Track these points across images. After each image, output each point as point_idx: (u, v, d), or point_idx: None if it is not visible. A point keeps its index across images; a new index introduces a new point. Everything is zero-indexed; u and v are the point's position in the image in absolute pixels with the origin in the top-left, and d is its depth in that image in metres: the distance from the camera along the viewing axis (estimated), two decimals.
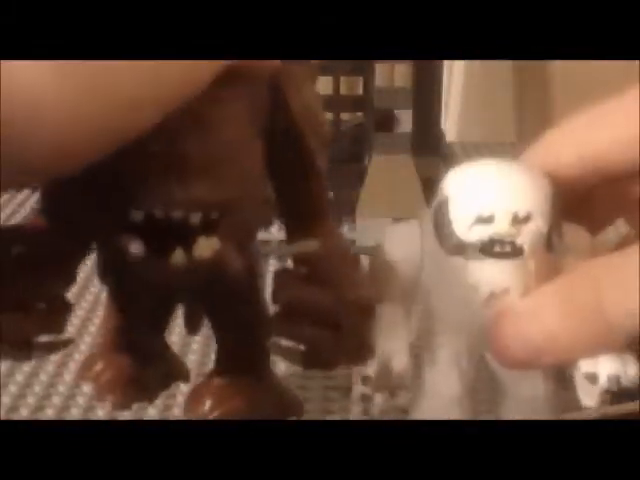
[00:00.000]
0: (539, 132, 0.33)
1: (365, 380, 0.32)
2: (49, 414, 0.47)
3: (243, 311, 0.35)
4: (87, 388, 0.48)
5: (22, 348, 0.34)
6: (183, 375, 0.41)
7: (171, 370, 0.40)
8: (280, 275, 0.34)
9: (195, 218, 0.30)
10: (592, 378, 0.29)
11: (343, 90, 0.64)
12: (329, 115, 0.66)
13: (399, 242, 0.32)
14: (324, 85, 0.68)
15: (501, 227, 0.28)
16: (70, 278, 0.33)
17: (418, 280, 0.31)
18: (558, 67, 1.05)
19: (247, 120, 0.32)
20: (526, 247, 0.28)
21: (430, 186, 0.72)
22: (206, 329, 0.38)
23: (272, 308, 0.35)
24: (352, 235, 0.62)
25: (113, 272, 0.34)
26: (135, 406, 0.44)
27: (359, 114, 0.66)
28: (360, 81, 0.64)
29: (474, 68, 1.06)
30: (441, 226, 0.29)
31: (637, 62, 0.31)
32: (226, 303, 0.35)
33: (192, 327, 0.38)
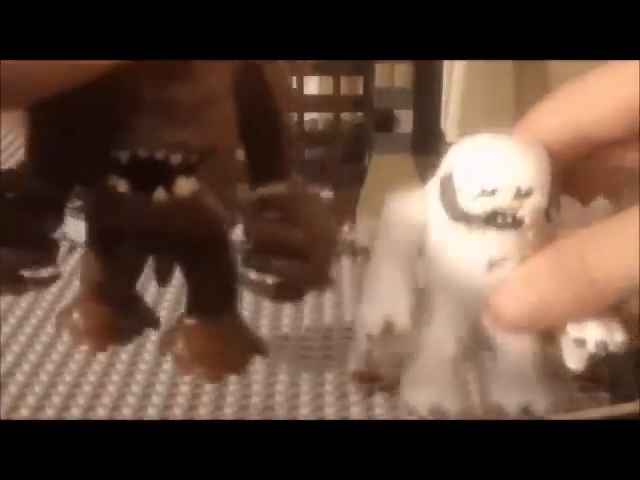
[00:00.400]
0: None
1: (369, 339, 0.33)
2: (49, 414, 0.46)
3: (216, 255, 0.38)
4: (87, 388, 0.48)
5: (15, 282, 0.36)
6: (154, 323, 0.44)
7: (143, 318, 0.43)
8: (251, 214, 0.36)
9: (176, 159, 0.33)
10: (580, 343, 0.31)
11: (343, 90, 0.64)
12: (329, 115, 0.67)
13: (406, 208, 0.34)
14: (324, 85, 0.68)
15: (504, 200, 0.29)
16: (57, 219, 0.35)
17: (422, 245, 0.33)
18: (558, 67, 1.05)
19: (226, 75, 0.35)
20: (526, 219, 0.29)
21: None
22: (176, 282, 0.41)
23: (244, 244, 0.37)
24: (352, 235, 0.62)
25: (97, 212, 0.36)
26: (130, 412, 0.44)
27: (359, 114, 0.66)
28: (360, 81, 0.64)
29: (474, 68, 1.06)
30: (446, 197, 0.31)
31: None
32: (201, 246, 0.37)
33: (162, 280, 0.40)
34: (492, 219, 0.30)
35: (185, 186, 0.33)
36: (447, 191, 0.31)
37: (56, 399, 0.48)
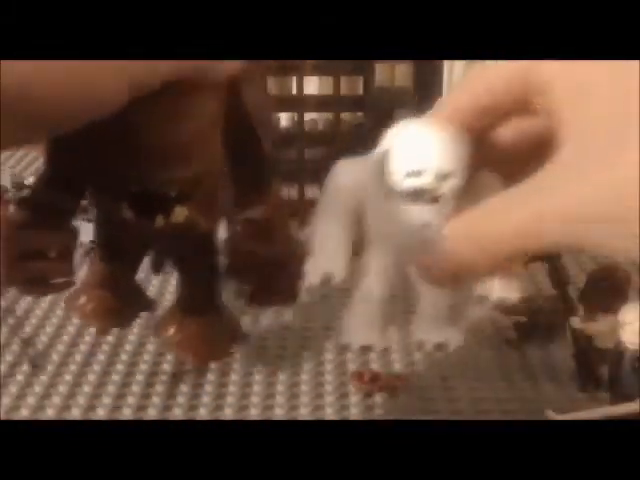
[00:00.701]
0: None
1: (310, 289, 0.41)
2: (49, 414, 0.46)
3: (204, 261, 0.45)
4: (87, 387, 0.48)
5: (41, 287, 0.43)
6: (150, 306, 0.51)
7: (141, 302, 0.51)
8: (233, 233, 0.43)
9: (172, 191, 0.39)
10: (483, 298, 0.39)
11: (343, 90, 0.64)
12: (330, 115, 0.67)
13: (350, 172, 0.40)
14: (324, 85, 0.68)
15: (426, 181, 0.36)
16: (71, 234, 0.43)
17: (362, 207, 0.40)
18: None
19: (211, 114, 0.40)
20: (446, 196, 0.37)
21: None
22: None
23: (226, 258, 0.44)
24: None
25: (107, 230, 0.43)
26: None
27: (359, 114, 0.66)
28: (360, 81, 0.64)
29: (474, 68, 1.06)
30: (381, 173, 0.38)
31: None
32: (193, 254, 0.45)
33: (156, 269, 0.47)
34: (417, 196, 0.37)
35: (180, 213, 0.40)
36: (382, 169, 0.38)
37: (56, 399, 0.48)
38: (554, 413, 0.45)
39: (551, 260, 0.52)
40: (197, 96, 0.38)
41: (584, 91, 0.31)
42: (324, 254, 0.41)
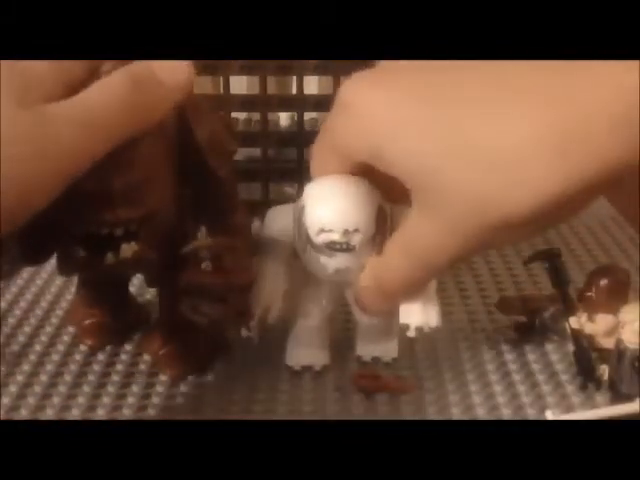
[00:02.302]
0: None
1: (250, 326, 0.47)
2: (49, 414, 0.46)
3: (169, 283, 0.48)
4: (87, 388, 0.48)
5: None
6: (145, 320, 0.54)
7: (136, 316, 0.54)
8: (183, 264, 0.45)
9: (119, 231, 0.42)
10: (405, 326, 0.46)
11: None
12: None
13: (280, 219, 0.47)
14: (324, 85, 0.68)
15: (337, 237, 0.43)
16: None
17: (292, 247, 0.46)
18: None
19: (160, 151, 0.43)
20: (356, 246, 0.43)
21: None
22: None
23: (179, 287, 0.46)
24: None
25: (67, 267, 0.46)
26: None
27: None
28: None
29: None
30: (298, 227, 0.44)
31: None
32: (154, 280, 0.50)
33: (149, 284, 0.51)
34: (331, 247, 0.43)
35: (128, 249, 0.42)
36: (299, 224, 0.44)
37: (56, 399, 0.48)
38: (553, 413, 0.45)
39: (551, 260, 0.52)
40: (144, 140, 0.40)
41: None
42: (262, 292, 0.47)
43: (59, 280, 0.60)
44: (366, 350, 0.51)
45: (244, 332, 0.47)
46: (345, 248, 0.43)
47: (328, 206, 0.43)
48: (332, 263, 0.44)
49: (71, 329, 0.54)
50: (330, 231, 0.43)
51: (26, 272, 0.60)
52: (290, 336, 0.50)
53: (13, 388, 0.48)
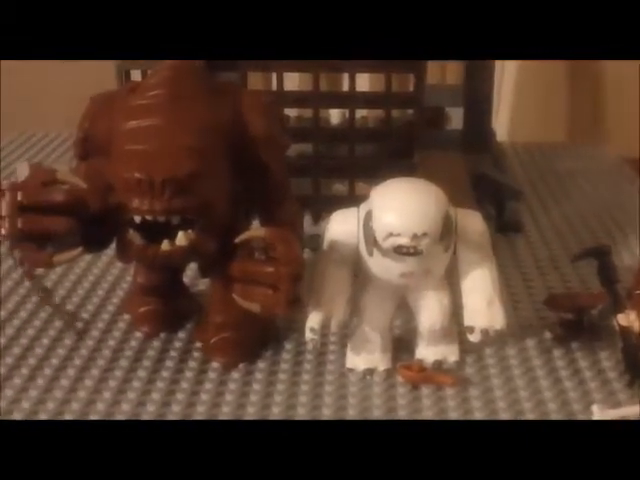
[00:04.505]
0: (589, 132, 0.34)
1: (312, 330, 0.47)
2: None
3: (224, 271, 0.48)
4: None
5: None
6: (197, 309, 0.55)
7: (188, 306, 0.55)
8: (237, 253, 0.47)
9: (175, 220, 0.44)
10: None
11: (394, 87, 0.64)
12: (380, 112, 0.67)
13: (344, 223, 0.47)
14: (375, 82, 0.69)
15: (405, 241, 0.44)
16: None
17: (356, 254, 0.46)
18: (609, 67, 1.04)
19: (217, 143, 0.45)
20: (424, 250, 0.44)
21: (480, 183, 0.72)
22: None
23: (232, 276, 0.47)
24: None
25: (125, 254, 0.47)
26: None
27: (410, 111, 0.66)
28: (411, 78, 0.64)
29: (526, 68, 1.05)
30: (366, 232, 0.45)
31: None
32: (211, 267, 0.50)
33: (203, 274, 0.52)
34: (399, 250, 0.44)
35: (184, 238, 0.44)
36: (367, 228, 0.45)
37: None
38: (600, 410, 0.45)
39: (600, 258, 0.52)
40: (199, 133, 0.43)
41: None
42: (324, 301, 0.47)
43: (116, 268, 0.61)
44: (427, 353, 0.50)
45: (308, 336, 0.47)
46: (413, 252, 0.44)
47: (397, 210, 0.44)
48: (398, 267, 0.45)
49: (127, 317, 0.55)
50: (398, 235, 0.43)
51: (84, 261, 0.62)
52: (352, 339, 0.50)
53: (71, 372, 0.50)
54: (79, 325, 0.54)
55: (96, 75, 0.71)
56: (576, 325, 0.53)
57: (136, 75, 0.58)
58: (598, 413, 0.44)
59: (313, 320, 0.47)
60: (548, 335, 0.53)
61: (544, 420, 0.45)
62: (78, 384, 0.49)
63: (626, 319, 0.49)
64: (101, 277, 0.61)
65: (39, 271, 0.53)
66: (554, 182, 0.80)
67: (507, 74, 1.06)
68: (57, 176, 0.44)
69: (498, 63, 0.82)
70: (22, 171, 0.44)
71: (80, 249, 0.45)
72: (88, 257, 0.62)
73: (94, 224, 0.45)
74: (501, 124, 1.04)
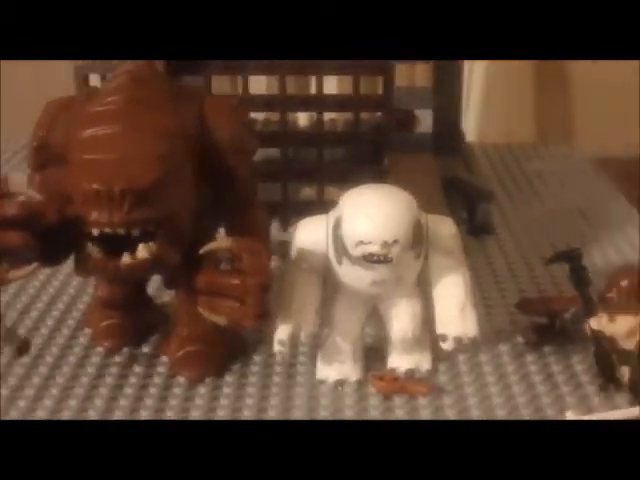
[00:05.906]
0: (559, 133, 0.34)
1: (281, 342, 0.46)
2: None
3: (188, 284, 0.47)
4: (104, 390, 0.48)
5: None
6: (162, 321, 0.53)
7: (152, 318, 0.54)
8: (202, 265, 0.46)
9: (136, 232, 0.42)
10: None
11: (363, 90, 0.64)
12: (349, 115, 0.66)
13: (312, 231, 0.46)
14: (344, 85, 0.68)
15: (375, 249, 0.43)
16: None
17: (325, 263, 0.46)
18: (578, 68, 1.04)
19: (180, 151, 0.44)
20: (394, 258, 0.43)
21: (451, 186, 0.71)
22: None
23: (197, 288, 0.46)
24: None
25: (84, 267, 0.45)
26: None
27: (379, 114, 0.66)
28: (380, 81, 0.64)
29: (494, 69, 1.06)
30: (336, 239, 0.44)
31: None
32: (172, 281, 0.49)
33: (168, 286, 0.51)
34: (369, 258, 0.43)
35: (145, 250, 0.43)
36: (336, 236, 0.44)
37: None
38: (573, 414, 0.44)
39: (572, 261, 0.52)
40: (162, 142, 0.42)
41: None
42: (292, 312, 0.46)
43: (76, 281, 0.59)
44: (399, 362, 0.49)
45: (277, 348, 0.46)
46: (383, 260, 0.43)
47: (367, 218, 0.43)
48: (369, 275, 0.44)
49: (88, 331, 0.53)
50: (369, 243, 0.42)
51: (43, 274, 0.60)
52: (322, 350, 0.49)
53: (30, 391, 0.48)
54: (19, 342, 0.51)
55: (52, 78, 0.69)
56: (548, 329, 0.52)
57: (95, 79, 0.57)
58: (572, 418, 0.44)
59: (282, 332, 0.45)
60: (520, 340, 0.53)
61: (517, 420, 0.45)
62: (36, 404, 0.47)
63: (598, 323, 0.49)
64: (61, 289, 0.59)
65: None
66: (524, 183, 0.80)
67: (475, 75, 1.06)
68: (8, 187, 0.42)
69: (466, 64, 0.81)
70: None
71: (36, 264, 0.44)
72: (47, 269, 0.60)
73: (51, 237, 0.43)
74: (470, 125, 1.04)
